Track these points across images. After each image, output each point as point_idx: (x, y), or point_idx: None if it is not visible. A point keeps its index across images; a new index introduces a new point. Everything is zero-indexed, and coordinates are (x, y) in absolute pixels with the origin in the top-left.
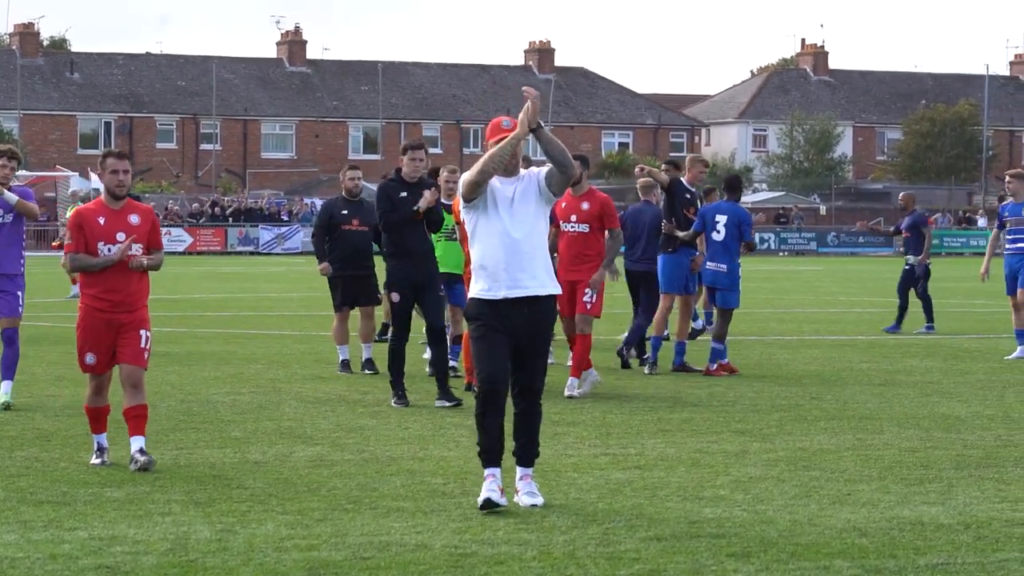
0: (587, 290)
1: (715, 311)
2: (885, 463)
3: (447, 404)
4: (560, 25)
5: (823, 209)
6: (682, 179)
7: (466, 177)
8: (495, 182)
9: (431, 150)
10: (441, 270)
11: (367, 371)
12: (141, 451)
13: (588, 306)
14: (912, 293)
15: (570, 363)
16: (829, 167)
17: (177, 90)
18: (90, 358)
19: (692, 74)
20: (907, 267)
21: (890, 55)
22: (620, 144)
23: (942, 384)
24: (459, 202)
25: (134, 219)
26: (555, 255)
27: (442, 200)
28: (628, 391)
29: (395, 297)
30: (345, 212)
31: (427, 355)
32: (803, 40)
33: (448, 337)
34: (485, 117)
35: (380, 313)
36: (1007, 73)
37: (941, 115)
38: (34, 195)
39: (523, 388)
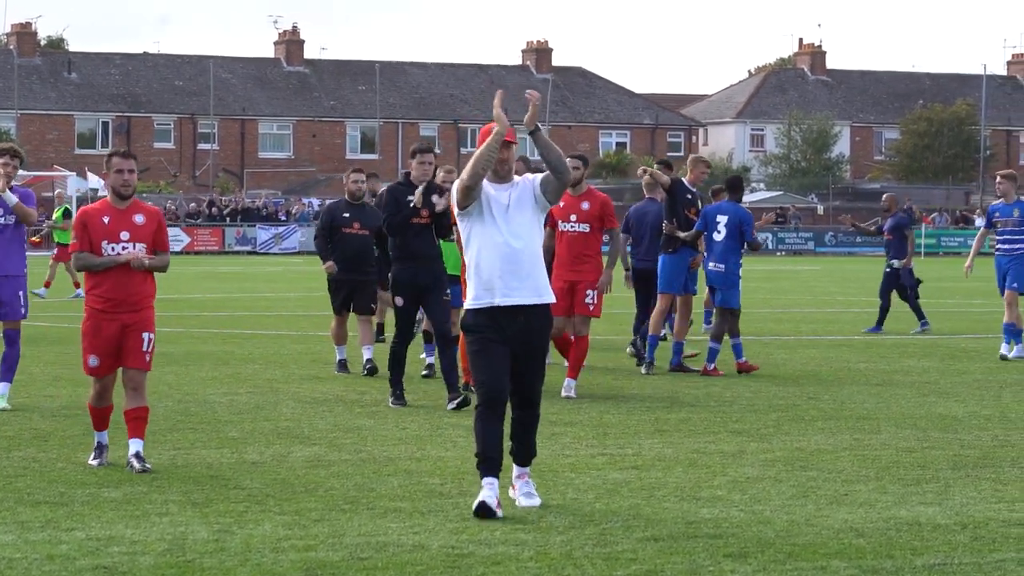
0: (588, 291)
1: (715, 311)
2: (882, 463)
3: (456, 402)
4: (558, 25)
5: (821, 209)
6: (683, 180)
7: (458, 183)
8: (489, 189)
9: None
10: None
11: (367, 372)
12: (138, 457)
13: (590, 307)
14: (896, 296)
15: (567, 363)
16: (827, 167)
17: (175, 90)
18: (93, 360)
19: (690, 74)
20: (888, 270)
21: (888, 55)
22: (618, 144)
23: (939, 384)
24: (454, 207)
25: (139, 219)
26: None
27: None
28: (625, 391)
29: (399, 301)
30: (347, 215)
31: (423, 356)
32: (801, 40)
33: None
34: (483, 117)
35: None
36: (1004, 73)
37: (939, 115)
38: (35, 198)
39: (521, 398)
